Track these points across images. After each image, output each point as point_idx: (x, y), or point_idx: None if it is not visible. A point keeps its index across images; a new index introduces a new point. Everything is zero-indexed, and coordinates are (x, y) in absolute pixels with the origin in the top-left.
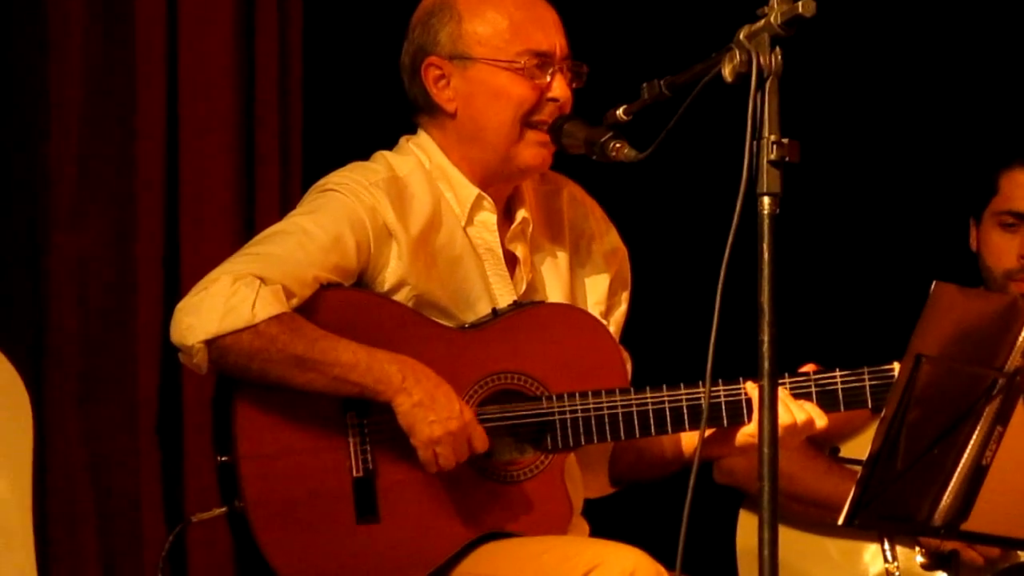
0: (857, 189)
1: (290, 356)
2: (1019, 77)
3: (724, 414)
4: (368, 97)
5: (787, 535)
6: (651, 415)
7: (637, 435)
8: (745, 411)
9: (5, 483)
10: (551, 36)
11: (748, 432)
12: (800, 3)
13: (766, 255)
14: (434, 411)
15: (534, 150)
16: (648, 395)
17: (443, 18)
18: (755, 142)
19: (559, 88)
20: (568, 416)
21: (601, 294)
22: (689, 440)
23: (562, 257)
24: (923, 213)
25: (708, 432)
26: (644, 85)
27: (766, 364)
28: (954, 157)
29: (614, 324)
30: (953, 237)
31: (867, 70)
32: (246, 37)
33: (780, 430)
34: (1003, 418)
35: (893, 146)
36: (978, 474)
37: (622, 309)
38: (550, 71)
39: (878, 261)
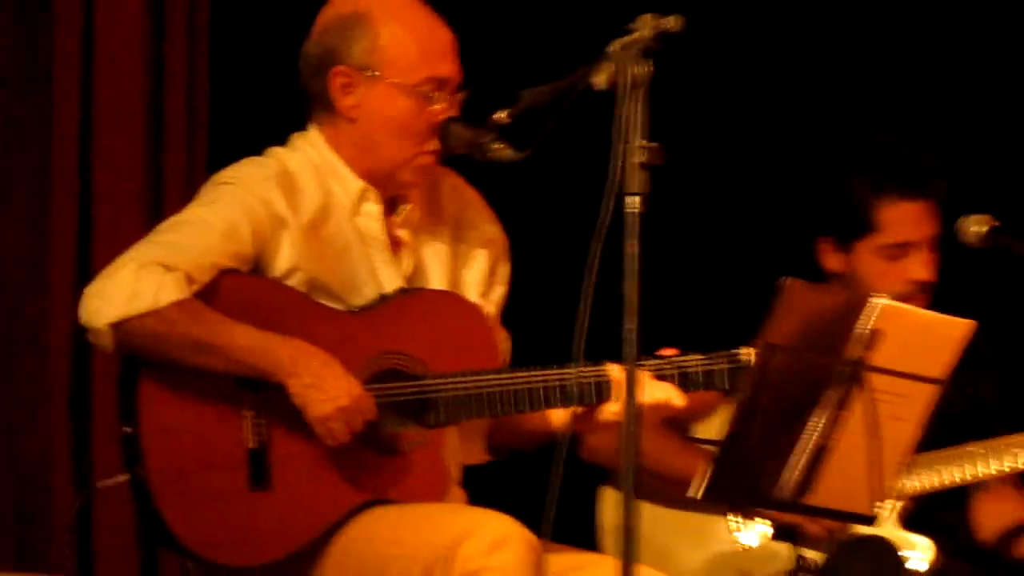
0: (719, 190)
1: (190, 340)
2: (872, 89)
3: (590, 393)
4: (267, 96)
5: (645, 510)
6: (525, 394)
7: (513, 412)
8: (609, 391)
9: None
10: (452, 64)
11: (611, 410)
12: (668, 19)
13: (631, 250)
14: (323, 391)
15: (419, 170)
16: (521, 375)
17: (359, 31)
18: (623, 146)
19: (444, 103)
20: (448, 393)
21: (481, 278)
22: (559, 415)
23: (444, 244)
24: (775, 212)
25: (576, 410)
26: (524, 91)
27: (630, 349)
28: (802, 167)
29: (493, 306)
30: (798, 236)
31: (738, 79)
32: (156, 32)
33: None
34: (845, 403)
35: (752, 152)
36: (821, 454)
37: (501, 292)
38: (443, 97)
39: (735, 255)
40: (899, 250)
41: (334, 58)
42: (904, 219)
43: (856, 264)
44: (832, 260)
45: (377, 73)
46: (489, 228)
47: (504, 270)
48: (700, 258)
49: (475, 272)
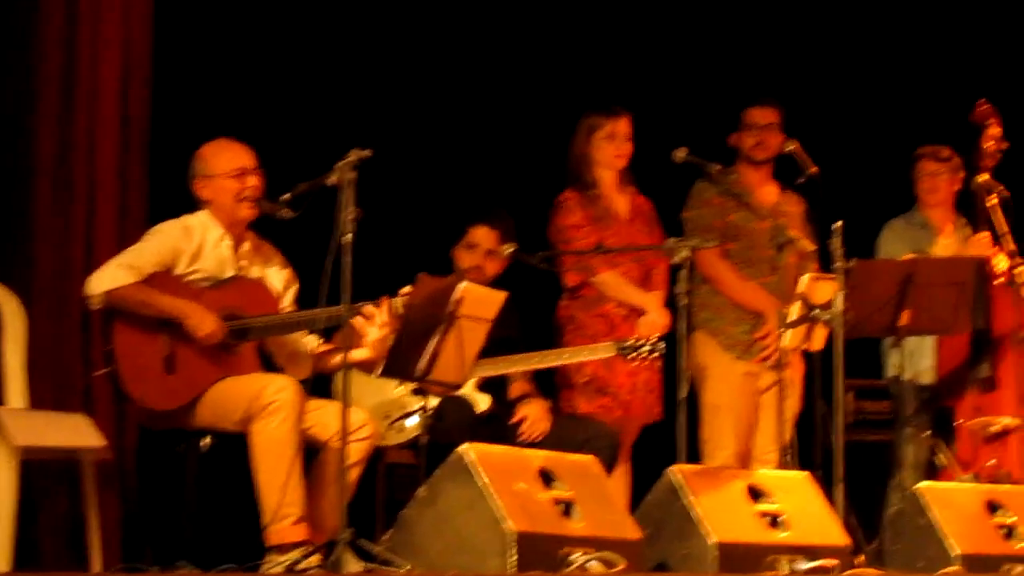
0: (411, 209)
1: (138, 301)
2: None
3: (323, 320)
4: (177, 192)
5: (360, 377)
6: (293, 324)
7: (286, 333)
8: (337, 322)
9: None
10: (248, 160)
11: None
12: (363, 151)
13: (346, 258)
14: (202, 324)
15: (245, 212)
16: (291, 314)
17: (198, 159)
18: (345, 210)
19: (252, 182)
20: (256, 324)
21: (281, 284)
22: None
23: (261, 267)
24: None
25: (327, 348)
26: (297, 184)
27: (347, 296)
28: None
29: (291, 296)
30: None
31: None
32: (124, 141)
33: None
34: (448, 330)
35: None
36: (436, 356)
37: (293, 290)
38: (248, 174)
39: (401, 256)
40: (472, 248)
41: (192, 175)
42: (479, 235)
43: (457, 255)
44: (453, 254)
45: (210, 175)
46: (280, 260)
47: (294, 281)
48: (389, 255)
49: (275, 279)
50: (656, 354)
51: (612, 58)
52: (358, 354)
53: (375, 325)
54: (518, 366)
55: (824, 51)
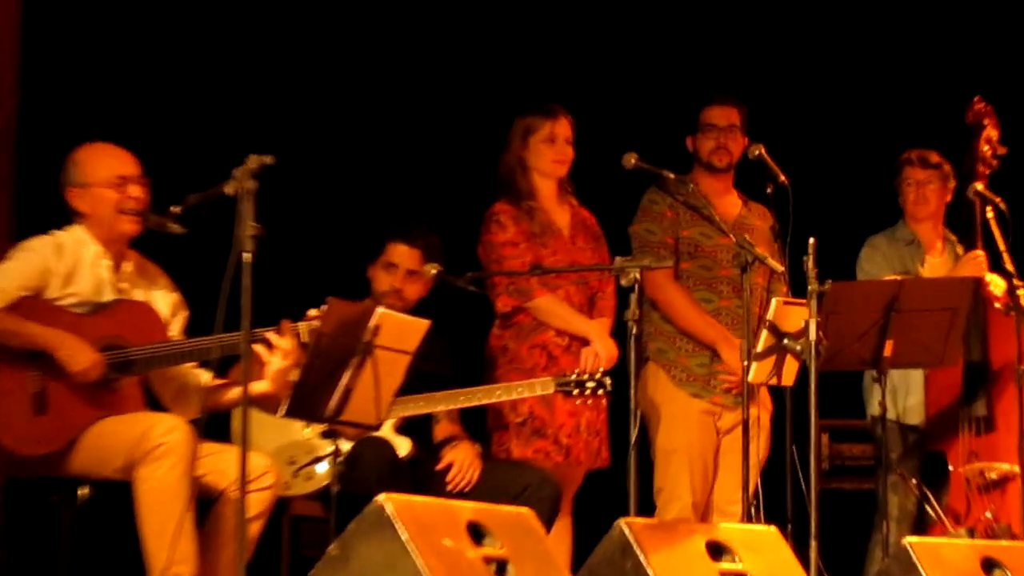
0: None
1: (2, 329)
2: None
3: (218, 349)
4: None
5: (261, 416)
6: (180, 354)
7: (176, 364)
8: (233, 351)
9: None
10: (130, 167)
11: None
12: (266, 157)
13: (245, 279)
14: (75, 359)
15: (127, 225)
16: (178, 344)
17: (71, 165)
18: (244, 225)
19: (135, 192)
20: (140, 355)
21: (168, 310)
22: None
23: (142, 289)
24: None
25: (222, 382)
26: (188, 195)
27: (246, 323)
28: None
29: (180, 324)
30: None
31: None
32: None
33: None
34: (362, 364)
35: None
36: (350, 392)
37: (182, 318)
38: (130, 182)
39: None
40: (388, 268)
41: (65, 183)
42: (399, 253)
43: (374, 275)
44: (371, 272)
45: (86, 184)
46: (166, 283)
47: (182, 308)
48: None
49: (162, 303)
50: (602, 390)
51: (548, 53)
52: (258, 387)
53: (277, 354)
54: (443, 404)
55: (793, 43)
